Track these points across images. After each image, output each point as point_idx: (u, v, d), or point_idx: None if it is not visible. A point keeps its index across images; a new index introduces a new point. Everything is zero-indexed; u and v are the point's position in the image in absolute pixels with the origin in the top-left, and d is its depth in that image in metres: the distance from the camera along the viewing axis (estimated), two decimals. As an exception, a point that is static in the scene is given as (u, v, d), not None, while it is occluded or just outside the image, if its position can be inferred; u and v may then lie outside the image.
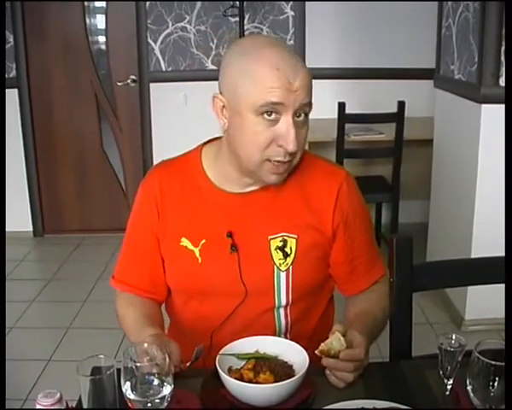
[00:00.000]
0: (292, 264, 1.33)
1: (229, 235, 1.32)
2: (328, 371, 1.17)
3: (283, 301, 1.35)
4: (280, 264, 1.33)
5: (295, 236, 1.33)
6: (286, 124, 1.20)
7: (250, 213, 1.34)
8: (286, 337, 1.38)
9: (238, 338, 1.22)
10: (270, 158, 1.24)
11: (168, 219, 1.37)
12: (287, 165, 1.26)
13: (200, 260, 1.33)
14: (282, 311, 1.37)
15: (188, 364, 1.18)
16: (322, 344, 1.14)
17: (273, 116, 1.20)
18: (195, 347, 1.21)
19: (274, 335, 1.36)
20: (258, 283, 1.33)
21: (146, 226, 1.39)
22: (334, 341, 1.14)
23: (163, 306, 1.49)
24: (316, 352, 1.14)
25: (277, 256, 1.32)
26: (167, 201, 1.37)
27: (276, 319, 1.37)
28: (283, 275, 1.33)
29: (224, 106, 1.26)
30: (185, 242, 1.34)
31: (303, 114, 1.23)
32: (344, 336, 1.15)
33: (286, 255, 1.33)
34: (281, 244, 1.32)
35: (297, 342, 1.21)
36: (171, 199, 1.37)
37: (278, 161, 1.24)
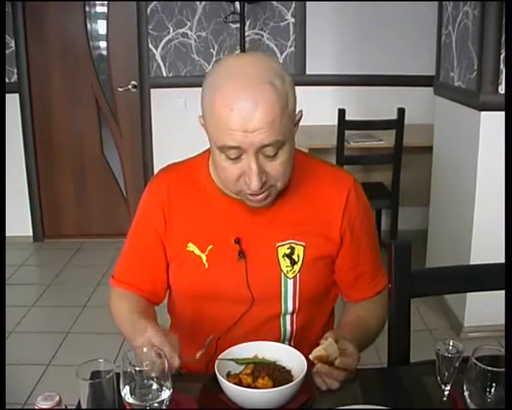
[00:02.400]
0: (299, 271, 1.32)
1: (237, 241, 1.31)
2: (316, 372, 1.15)
3: (290, 308, 1.35)
4: (287, 271, 1.32)
5: (303, 243, 1.32)
6: (247, 163, 1.18)
7: (257, 219, 1.33)
8: (290, 345, 1.37)
9: None
10: (243, 191, 1.23)
11: (175, 223, 1.36)
12: (266, 193, 1.23)
13: (206, 266, 1.33)
14: (288, 318, 1.37)
15: (198, 355, 1.19)
16: (319, 350, 1.13)
17: (235, 155, 1.18)
18: (197, 351, 1.20)
19: (278, 341, 1.35)
20: (264, 290, 1.32)
21: (150, 228, 1.38)
22: (330, 347, 1.13)
23: (164, 308, 1.49)
24: (310, 357, 1.13)
25: (285, 263, 1.32)
26: (175, 205, 1.36)
27: (281, 326, 1.37)
28: (291, 282, 1.33)
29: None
30: (192, 247, 1.33)
31: (273, 149, 1.17)
32: (336, 343, 1.15)
33: (293, 263, 1.32)
34: (288, 251, 1.32)
35: (300, 350, 1.20)
36: (178, 204, 1.36)
37: (251, 194, 1.23)
